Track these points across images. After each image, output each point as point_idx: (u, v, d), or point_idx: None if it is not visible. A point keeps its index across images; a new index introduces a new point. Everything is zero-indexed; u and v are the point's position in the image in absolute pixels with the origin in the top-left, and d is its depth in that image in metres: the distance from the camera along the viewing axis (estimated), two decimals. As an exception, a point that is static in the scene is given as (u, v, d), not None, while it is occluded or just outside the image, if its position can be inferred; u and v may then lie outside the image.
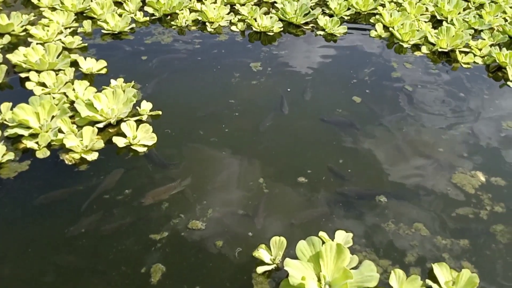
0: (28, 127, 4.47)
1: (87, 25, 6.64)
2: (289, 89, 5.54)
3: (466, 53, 6.55)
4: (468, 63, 6.38)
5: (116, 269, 3.28)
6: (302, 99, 5.39)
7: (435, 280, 3.28)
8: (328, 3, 7.79)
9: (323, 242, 3.29)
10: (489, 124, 5.12)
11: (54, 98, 4.91)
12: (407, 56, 6.50)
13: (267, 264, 3.34)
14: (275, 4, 7.83)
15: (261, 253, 3.37)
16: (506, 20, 7.69)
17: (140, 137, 4.51)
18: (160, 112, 4.92)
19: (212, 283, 3.24)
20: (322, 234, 3.46)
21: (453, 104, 5.44)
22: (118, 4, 7.47)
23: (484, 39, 6.94)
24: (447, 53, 6.60)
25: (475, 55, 6.52)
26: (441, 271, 3.32)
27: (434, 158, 4.56)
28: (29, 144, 4.32)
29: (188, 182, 4.07)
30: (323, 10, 7.67)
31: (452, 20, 7.43)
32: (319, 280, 3.17)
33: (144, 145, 4.47)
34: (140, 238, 3.52)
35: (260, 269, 3.29)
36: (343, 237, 3.51)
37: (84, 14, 7.14)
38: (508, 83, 5.98)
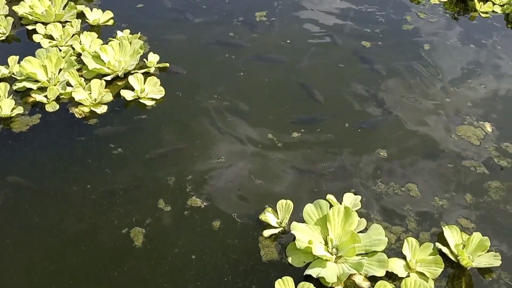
0: (36, 81, 4.56)
1: (91, -26, 6.59)
2: (288, 40, 5.54)
3: (484, 1, 6.42)
4: (486, 12, 6.27)
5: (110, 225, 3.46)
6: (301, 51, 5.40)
7: (445, 243, 3.31)
8: None
9: (331, 205, 3.35)
10: (504, 79, 5.09)
11: (61, 50, 4.97)
12: (423, 4, 6.38)
13: (273, 227, 3.40)
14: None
15: (268, 216, 3.42)
16: (528, -35, 7.48)
17: (148, 90, 4.59)
18: (167, 64, 4.98)
19: (218, 247, 3.32)
20: (329, 197, 3.51)
21: (468, 55, 5.41)
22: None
23: (504, -14, 6.80)
24: (465, 1, 6.48)
25: (494, 4, 6.39)
26: (451, 233, 3.33)
27: (441, 109, 4.61)
28: (38, 97, 4.42)
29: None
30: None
31: (471, -35, 7.24)
32: (326, 243, 3.24)
33: (152, 99, 4.55)
34: (142, 203, 3.61)
35: (267, 233, 3.36)
36: (351, 200, 3.54)
37: (88, -37, 7.07)
38: (528, 33, 5.92)
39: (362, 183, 3.81)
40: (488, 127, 4.39)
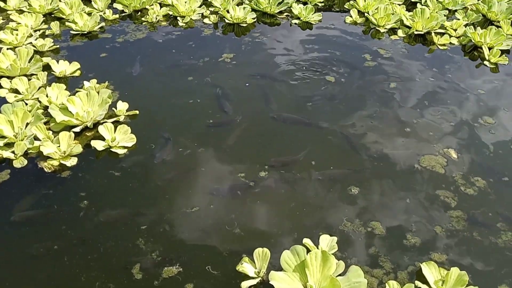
0: (3, 137, 4.44)
1: (55, 26, 6.57)
2: (247, 84, 5.57)
3: (442, 34, 6.64)
4: (444, 44, 6.48)
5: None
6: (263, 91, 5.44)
7: (424, 280, 3.25)
8: (301, -10, 7.84)
9: (308, 250, 3.28)
10: (465, 108, 5.19)
11: (27, 104, 4.87)
12: (383, 40, 6.57)
13: (252, 278, 3.27)
14: (248, -6, 7.83)
15: (245, 266, 3.30)
16: (479, -1, 7.80)
17: (119, 138, 4.51)
18: (137, 112, 4.93)
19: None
20: (306, 241, 3.44)
21: (428, 87, 5.53)
22: (87, 2, 7.38)
23: (458, 19, 7.05)
24: (423, 36, 6.69)
25: (450, 36, 6.63)
26: (429, 270, 3.29)
27: (405, 140, 4.66)
28: (5, 154, 4.29)
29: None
30: (296, -2, 7.70)
31: (426, 1, 7.51)
32: (306, 291, 3.14)
33: (124, 147, 4.47)
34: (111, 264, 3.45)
35: (245, 284, 3.22)
36: (327, 242, 3.46)
37: (53, 15, 7.06)
38: (485, 62, 6.09)
39: (331, 223, 3.75)
40: (454, 154, 4.44)
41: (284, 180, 4.14)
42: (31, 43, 6.17)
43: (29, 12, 6.86)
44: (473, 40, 6.41)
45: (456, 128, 4.85)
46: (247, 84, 5.56)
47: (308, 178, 4.17)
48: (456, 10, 7.39)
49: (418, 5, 7.46)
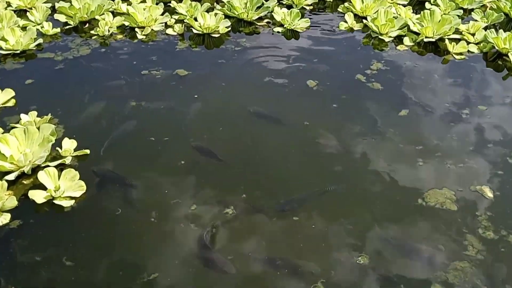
0: None
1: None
2: (196, 95, 5.68)
3: (457, 40, 6.69)
4: (461, 53, 6.54)
5: None
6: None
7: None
8: (285, -9, 7.94)
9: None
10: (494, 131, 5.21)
11: (-51, 147, 4.76)
12: (387, 52, 6.60)
13: None
14: (220, -3, 7.88)
15: None
16: (499, -6, 7.95)
17: (65, 187, 4.42)
18: (87, 151, 4.84)
19: None
20: None
21: (447, 109, 5.54)
22: (22, 13, 7.33)
23: (476, 21, 7.14)
24: (435, 43, 6.75)
25: (468, 43, 6.68)
26: None
27: (410, 173, 4.67)
28: None
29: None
30: (279, 0, 7.75)
31: (435, 0, 7.62)
32: None
33: (71, 197, 4.37)
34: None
35: None
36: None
37: (-21, 31, 6.98)
38: (513, 72, 6.18)
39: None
40: (489, 192, 4.38)
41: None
42: (-48, 67, 6.08)
43: None
44: (496, 47, 6.48)
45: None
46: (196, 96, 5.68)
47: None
48: (472, 10, 7.52)
49: (427, 4, 7.56)
